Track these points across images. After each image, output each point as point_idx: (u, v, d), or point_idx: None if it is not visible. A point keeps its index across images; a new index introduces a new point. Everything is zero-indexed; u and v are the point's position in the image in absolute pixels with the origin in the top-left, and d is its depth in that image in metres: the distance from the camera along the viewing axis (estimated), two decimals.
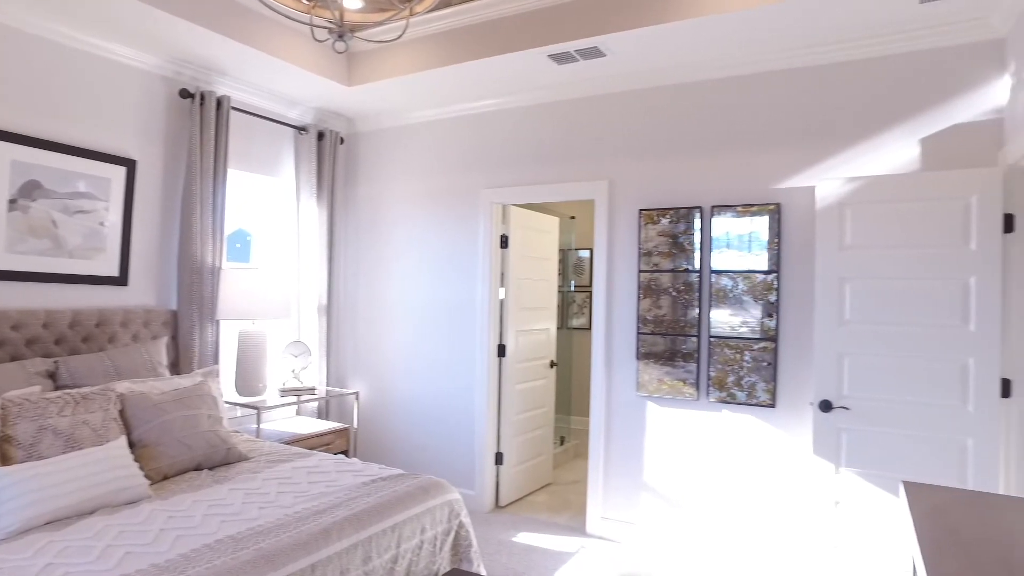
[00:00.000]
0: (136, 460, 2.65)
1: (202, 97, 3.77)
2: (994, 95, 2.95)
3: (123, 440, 2.57)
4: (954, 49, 3.03)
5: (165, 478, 2.71)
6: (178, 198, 3.83)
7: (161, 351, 3.45)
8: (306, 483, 2.68)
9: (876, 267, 2.98)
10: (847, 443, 3.03)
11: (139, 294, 3.64)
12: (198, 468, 2.85)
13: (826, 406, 3.05)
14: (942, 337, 2.86)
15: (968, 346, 2.81)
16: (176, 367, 3.73)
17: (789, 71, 3.41)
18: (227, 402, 3.81)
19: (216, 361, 3.90)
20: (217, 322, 3.89)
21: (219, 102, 3.88)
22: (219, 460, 2.92)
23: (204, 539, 2.06)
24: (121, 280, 3.53)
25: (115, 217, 3.50)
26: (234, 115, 4.15)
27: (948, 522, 1.34)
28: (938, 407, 2.85)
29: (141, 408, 2.80)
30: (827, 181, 3.08)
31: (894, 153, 3.16)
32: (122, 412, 2.79)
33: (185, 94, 3.76)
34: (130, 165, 3.54)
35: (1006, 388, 2.79)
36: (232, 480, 2.70)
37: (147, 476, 2.63)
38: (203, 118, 3.78)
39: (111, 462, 2.41)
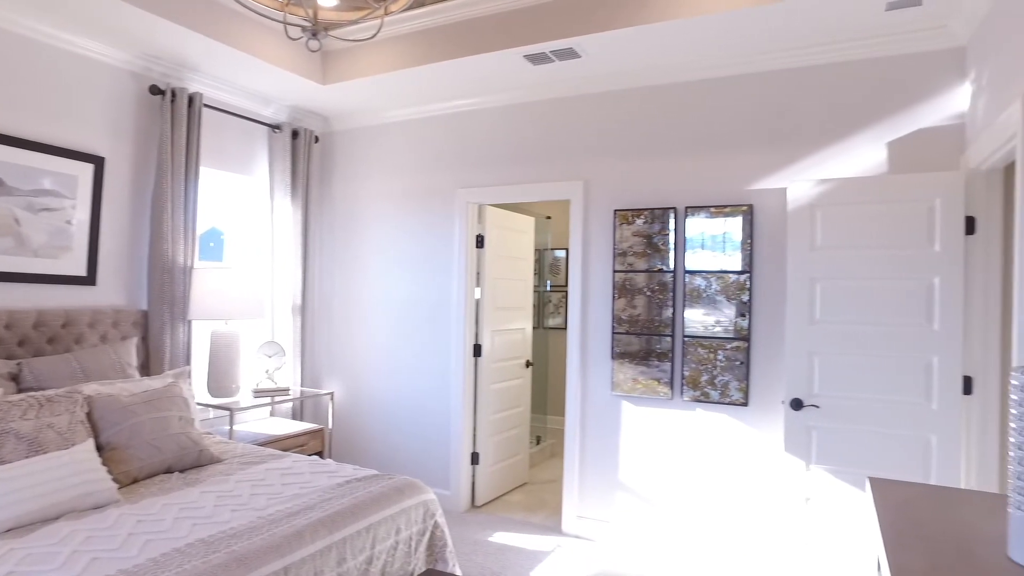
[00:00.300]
0: (104, 463, 2.60)
1: (173, 94, 3.71)
2: (956, 101, 3.03)
3: (90, 443, 2.52)
4: (919, 56, 3.11)
5: (134, 481, 2.66)
6: (149, 196, 3.76)
7: (131, 352, 3.38)
8: (280, 485, 2.66)
9: (845, 267, 3.04)
10: (817, 440, 3.09)
11: (108, 294, 3.57)
12: (169, 471, 2.80)
13: (797, 404, 3.11)
14: (908, 336, 2.93)
15: (932, 345, 2.88)
16: (146, 368, 3.66)
17: (761, 74, 3.46)
18: (199, 403, 3.76)
19: (188, 362, 3.84)
20: (189, 322, 3.83)
21: (191, 99, 3.82)
22: (190, 462, 2.87)
23: (174, 543, 2.02)
24: (89, 280, 3.46)
25: (83, 215, 3.42)
26: (206, 112, 4.09)
27: (910, 516, 1.37)
28: (904, 404, 2.92)
29: (109, 410, 2.75)
30: (798, 183, 3.13)
31: (862, 156, 3.23)
32: (89, 415, 2.73)
33: (155, 90, 3.69)
34: (98, 162, 3.47)
35: (967, 385, 2.87)
36: (204, 483, 2.66)
37: (116, 480, 2.58)
38: (174, 115, 3.72)
39: (77, 466, 2.36)
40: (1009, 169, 2.84)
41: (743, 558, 3.46)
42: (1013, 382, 1.11)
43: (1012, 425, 1.10)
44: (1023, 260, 2.13)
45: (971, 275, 2.88)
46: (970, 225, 2.88)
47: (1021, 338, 2.08)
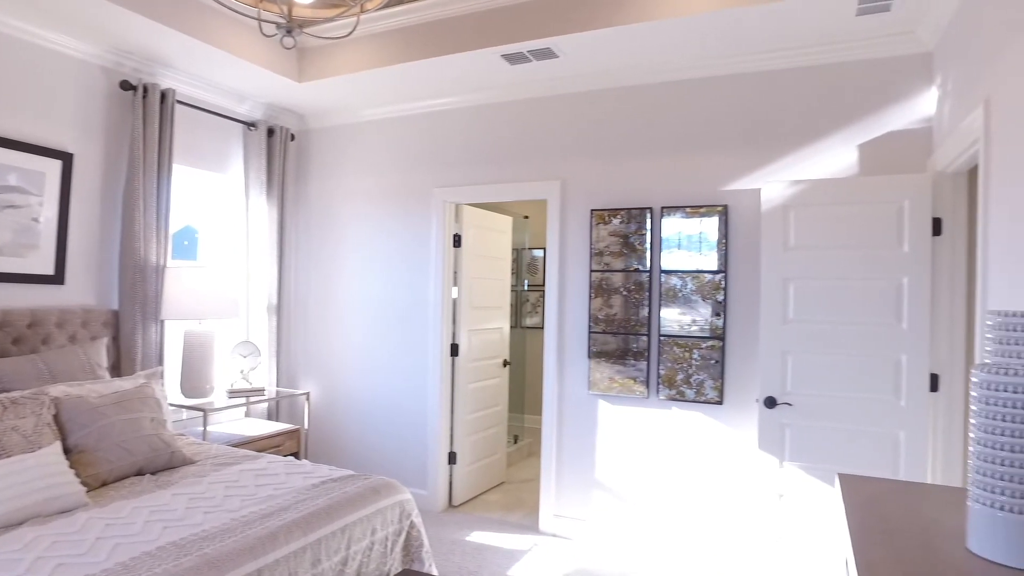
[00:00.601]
0: (72, 467, 2.54)
1: (145, 89, 3.64)
2: (924, 105, 3.10)
3: (57, 446, 2.47)
4: (888, 60, 3.17)
5: (104, 484, 2.61)
6: (120, 194, 3.69)
7: (101, 352, 3.32)
8: (254, 486, 2.63)
9: (818, 268, 3.09)
10: (790, 438, 3.14)
11: (77, 293, 3.50)
12: (140, 473, 2.75)
13: (771, 402, 3.15)
14: (878, 335, 2.98)
15: (901, 343, 2.94)
16: (117, 369, 3.60)
17: (735, 76, 3.51)
18: (172, 404, 3.70)
19: (160, 362, 3.78)
20: (161, 322, 3.77)
21: (163, 95, 3.76)
22: (162, 464, 2.83)
23: (144, 546, 1.99)
24: (57, 279, 3.38)
25: (50, 213, 3.35)
26: (180, 109, 4.02)
27: (876, 510, 1.40)
28: (874, 402, 2.98)
29: (78, 412, 2.70)
30: (772, 184, 3.18)
31: (834, 158, 3.29)
32: (56, 417, 2.67)
33: (126, 86, 3.63)
34: (66, 159, 3.40)
35: (934, 383, 2.94)
36: (176, 484, 2.63)
37: (84, 483, 2.53)
38: (146, 111, 3.65)
39: (43, 469, 2.31)
40: (973, 172, 2.91)
41: (718, 554, 3.50)
42: (973, 379, 1.14)
43: (972, 421, 1.13)
44: (986, 261, 2.19)
45: (938, 275, 2.95)
46: (937, 226, 2.94)
47: (983, 337, 2.14)
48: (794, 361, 3.13)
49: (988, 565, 1.07)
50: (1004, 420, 1.06)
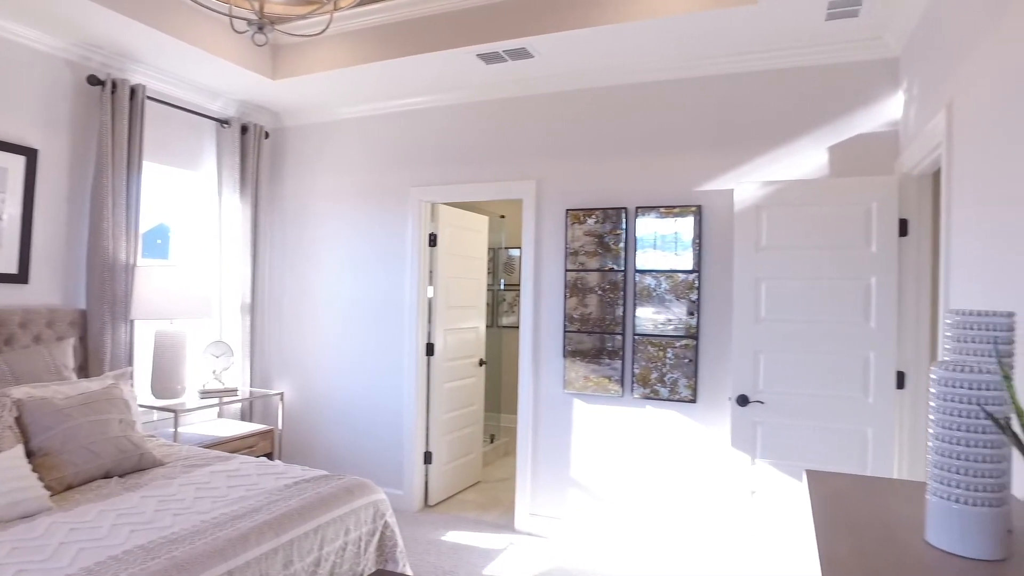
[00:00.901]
0: (35, 470, 2.48)
1: (114, 85, 3.57)
2: (891, 109, 3.16)
3: (19, 449, 2.41)
4: (857, 65, 3.24)
5: (69, 488, 2.55)
6: (87, 191, 3.62)
7: (67, 353, 3.25)
8: (225, 487, 2.59)
9: (789, 267, 3.14)
10: (762, 435, 3.19)
11: (42, 293, 3.42)
12: (107, 476, 2.70)
13: (743, 400, 3.20)
14: (847, 333, 3.04)
15: (869, 342, 3.00)
16: (85, 370, 3.52)
17: (709, 78, 3.55)
18: (142, 406, 3.63)
19: (130, 363, 3.71)
20: (131, 322, 3.70)
21: (133, 91, 3.69)
22: (131, 467, 2.78)
23: (110, 551, 1.95)
24: (20, 278, 3.30)
25: (13, 210, 3.27)
26: (150, 105, 3.95)
27: (841, 505, 1.43)
28: (843, 399, 3.04)
29: (42, 414, 2.64)
30: (744, 184, 3.22)
31: (805, 159, 3.34)
32: (19, 419, 2.61)
33: (94, 81, 3.55)
34: (30, 154, 3.32)
35: (901, 380, 3.01)
36: (145, 487, 2.58)
37: (48, 487, 2.47)
38: (115, 107, 3.58)
39: (4, 474, 2.25)
40: (938, 175, 2.98)
41: (692, 551, 3.54)
42: (932, 376, 1.17)
43: (931, 417, 1.16)
44: (949, 261, 2.25)
45: (905, 275, 3.02)
46: (904, 227, 3.01)
47: (943, 335, 2.19)
48: (766, 360, 3.18)
49: (945, 556, 1.09)
50: (960, 416, 1.09)
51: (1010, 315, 1.16)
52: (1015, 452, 1.64)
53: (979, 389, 1.07)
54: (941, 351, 2.20)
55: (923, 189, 2.98)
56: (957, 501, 1.08)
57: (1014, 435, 0.96)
